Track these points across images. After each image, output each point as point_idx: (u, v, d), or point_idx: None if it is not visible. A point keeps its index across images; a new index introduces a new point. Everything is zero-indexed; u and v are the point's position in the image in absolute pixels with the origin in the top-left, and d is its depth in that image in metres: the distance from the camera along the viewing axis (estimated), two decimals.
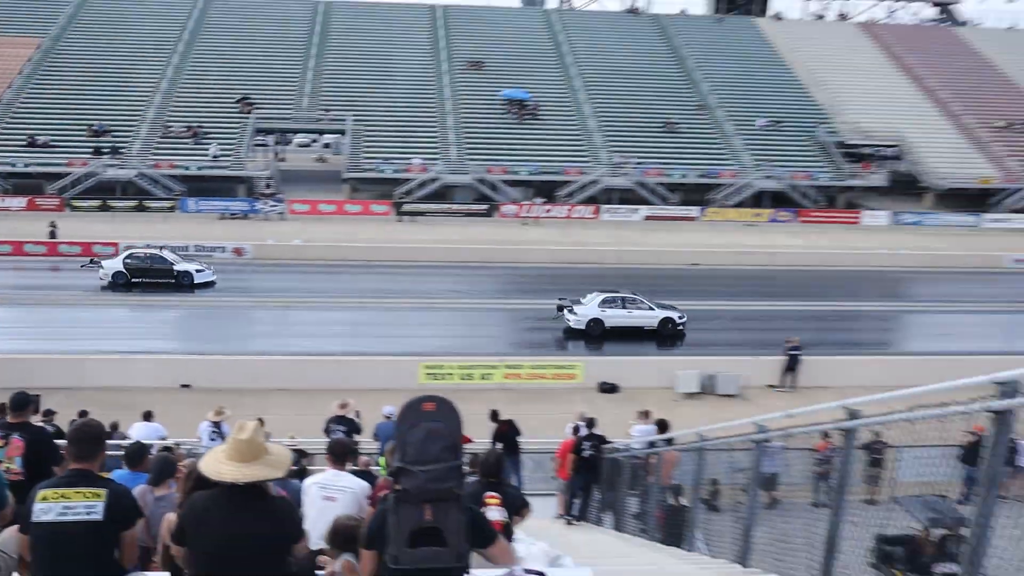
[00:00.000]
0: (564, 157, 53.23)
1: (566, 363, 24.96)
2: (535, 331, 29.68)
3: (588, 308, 28.62)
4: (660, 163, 53.00)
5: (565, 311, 28.98)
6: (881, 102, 60.08)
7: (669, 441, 11.16)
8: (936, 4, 79.71)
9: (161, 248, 33.67)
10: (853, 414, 5.68)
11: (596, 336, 28.23)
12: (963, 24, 77.73)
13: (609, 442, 12.76)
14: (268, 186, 48.91)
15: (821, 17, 78.32)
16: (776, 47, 67.33)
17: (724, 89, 61.03)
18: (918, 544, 12.13)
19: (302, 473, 7.58)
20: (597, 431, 12.79)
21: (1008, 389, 3.88)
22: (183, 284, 32.56)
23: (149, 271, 32.53)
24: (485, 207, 49.41)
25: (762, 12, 76.29)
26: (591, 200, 50.44)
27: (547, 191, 50.82)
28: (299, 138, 75.59)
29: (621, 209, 50.19)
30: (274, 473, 3.92)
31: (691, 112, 58.53)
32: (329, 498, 5.51)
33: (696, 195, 52.03)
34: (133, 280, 32.38)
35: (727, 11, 75.60)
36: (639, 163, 52.19)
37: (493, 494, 5.33)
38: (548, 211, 48.95)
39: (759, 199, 52.05)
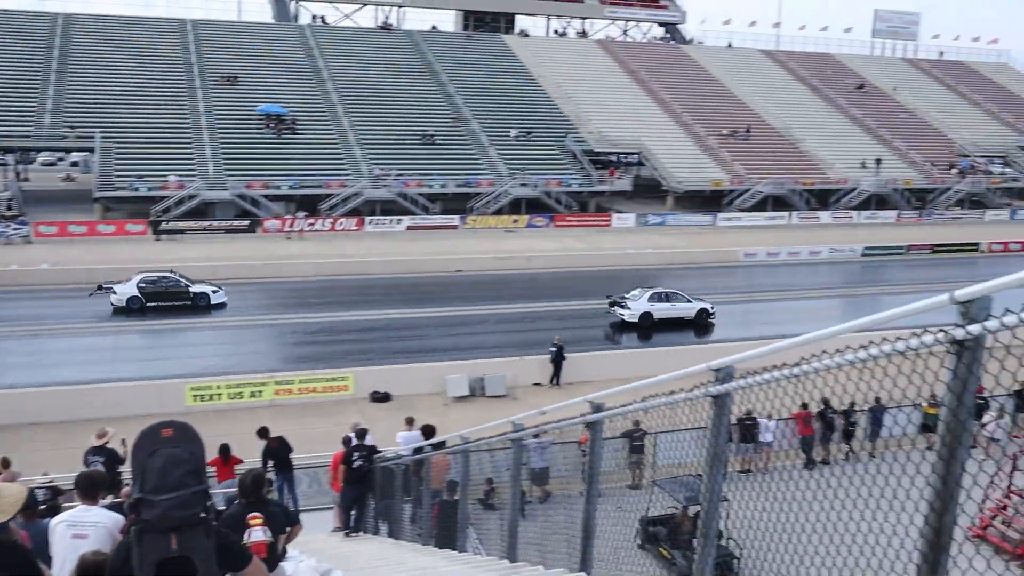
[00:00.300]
0: (325, 171, 52.58)
1: (337, 375, 24.69)
2: (311, 344, 29.16)
3: (639, 303, 31.87)
4: (420, 174, 53.76)
5: (617, 307, 31.74)
6: (622, 113, 64.85)
7: (439, 445, 11.31)
8: (663, 24, 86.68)
9: (171, 270, 33.02)
10: (597, 407, 5.92)
11: (647, 327, 31.27)
12: (688, 42, 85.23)
13: (380, 451, 12.77)
14: (10, 208, 45.41)
15: (563, 35, 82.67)
16: (524, 62, 70.59)
17: (477, 102, 63.11)
18: (677, 522, 13.10)
19: (54, 511, 7.04)
20: (370, 441, 12.74)
21: (723, 375, 4.14)
22: (199, 305, 32.30)
23: (164, 294, 32.12)
24: (247, 223, 47.66)
25: (509, 30, 79.35)
26: (354, 212, 50.16)
27: (309, 205, 49.92)
28: (43, 156, 69.78)
29: (384, 220, 50.29)
30: None
31: (447, 124, 59.82)
32: (79, 535, 5.16)
33: (456, 204, 53.20)
34: (148, 304, 31.83)
35: (475, 28, 77.97)
36: (399, 175, 52.63)
37: (256, 514, 5.26)
38: (311, 225, 48.08)
39: (517, 206, 54.12)
